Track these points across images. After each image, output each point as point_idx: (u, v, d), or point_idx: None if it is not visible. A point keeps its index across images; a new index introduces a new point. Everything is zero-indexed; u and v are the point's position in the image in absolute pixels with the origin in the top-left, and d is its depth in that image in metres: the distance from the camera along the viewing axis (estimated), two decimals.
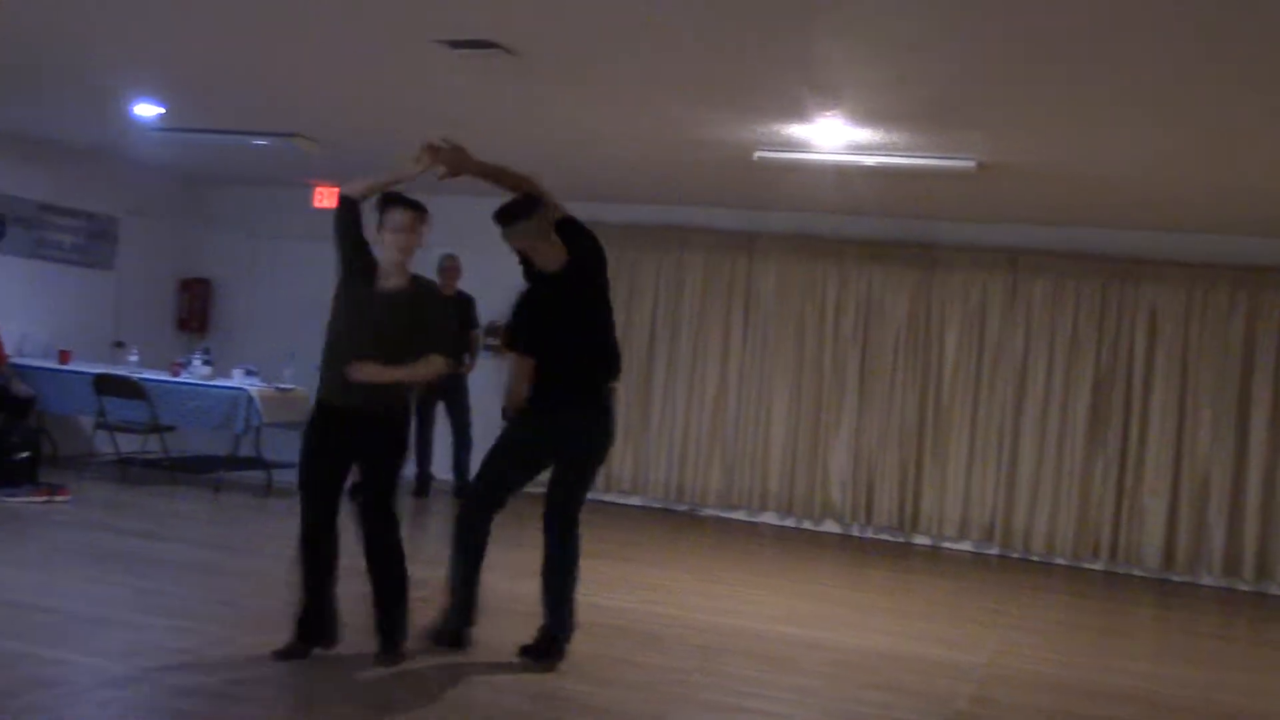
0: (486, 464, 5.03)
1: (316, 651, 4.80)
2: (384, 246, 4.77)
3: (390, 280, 4.78)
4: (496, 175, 5.02)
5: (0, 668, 4.36)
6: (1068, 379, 9.54)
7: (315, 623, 4.78)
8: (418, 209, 4.79)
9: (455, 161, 4.97)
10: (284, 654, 4.72)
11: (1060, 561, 9.51)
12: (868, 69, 5.67)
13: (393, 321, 4.71)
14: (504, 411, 5.13)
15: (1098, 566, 9.44)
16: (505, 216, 4.80)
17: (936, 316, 9.90)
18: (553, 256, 4.92)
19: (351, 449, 4.75)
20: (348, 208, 4.81)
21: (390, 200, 4.79)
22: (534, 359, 4.99)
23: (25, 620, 5.06)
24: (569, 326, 4.99)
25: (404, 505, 9.51)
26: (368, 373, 4.63)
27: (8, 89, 7.94)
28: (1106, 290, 9.47)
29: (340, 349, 4.71)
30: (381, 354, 4.65)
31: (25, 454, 8.40)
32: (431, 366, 4.75)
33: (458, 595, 5.00)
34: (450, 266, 9.56)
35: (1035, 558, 9.60)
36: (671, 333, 10.56)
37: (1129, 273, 9.41)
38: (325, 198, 11.28)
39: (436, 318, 4.91)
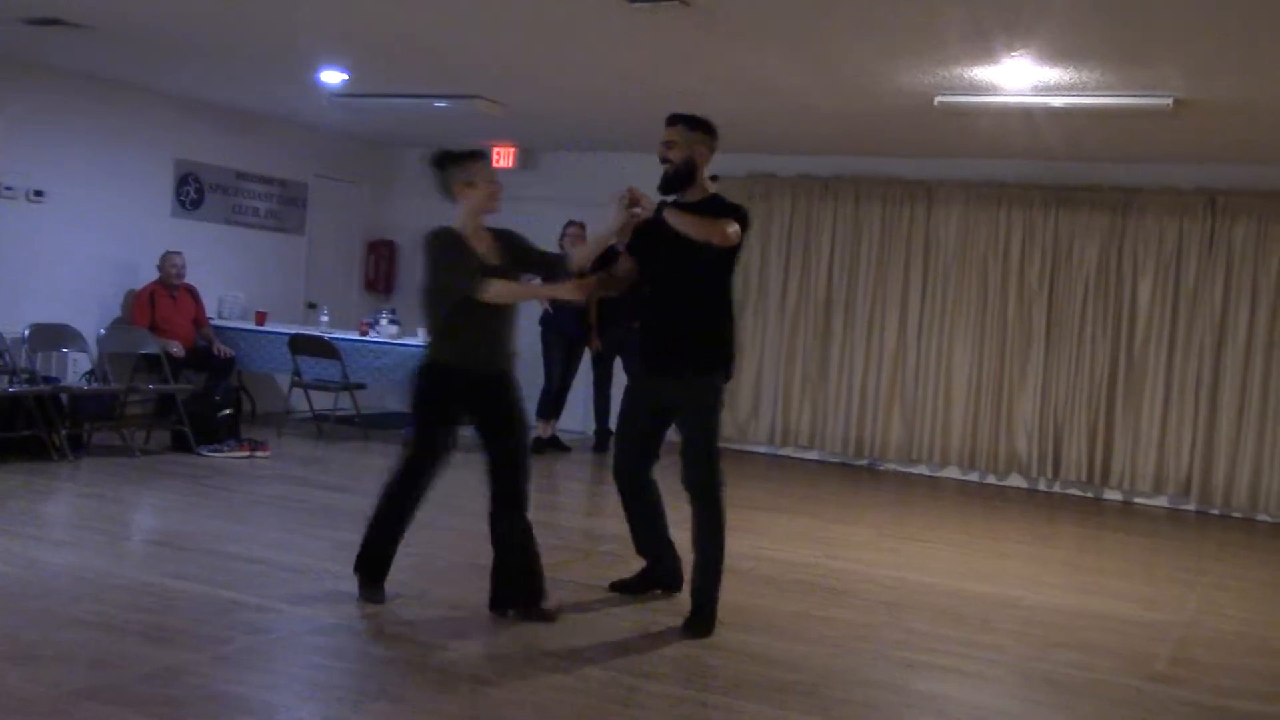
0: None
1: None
2: (477, 201, 4.73)
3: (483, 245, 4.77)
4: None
5: (214, 614, 4.61)
6: (1272, 325, 9.05)
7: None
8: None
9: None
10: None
11: (1265, 519, 9.08)
12: (1059, 3, 5.43)
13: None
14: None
15: None
16: (689, 119, 4.86)
17: (1129, 263, 9.50)
18: (701, 185, 4.90)
19: None
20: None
21: (474, 154, 4.79)
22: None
23: (234, 570, 5.32)
24: (691, 266, 4.78)
25: (585, 460, 9.71)
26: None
27: (204, 63, 8.29)
28: None
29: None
30: None
31: (227, 411, 8.84)
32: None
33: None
34: (576, 233, 9.67)
35: (1237, 514, 9.17)
36: (849, 284, 10.41)
37: None
38: (503, 158, 11.49)
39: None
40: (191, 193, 10.25)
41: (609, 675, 4.23)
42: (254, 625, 4.52)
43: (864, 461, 10.41)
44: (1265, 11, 5.27)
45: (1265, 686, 4.78)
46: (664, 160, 4.85)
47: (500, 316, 4.77)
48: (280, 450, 8.88)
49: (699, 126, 4.87)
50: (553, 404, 9.83)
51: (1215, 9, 5.32)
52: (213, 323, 9.81)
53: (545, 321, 9.82)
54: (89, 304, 9.27)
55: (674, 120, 4.89)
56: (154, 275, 9.39)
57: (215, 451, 8.45)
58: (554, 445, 9.86)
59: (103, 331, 8.97)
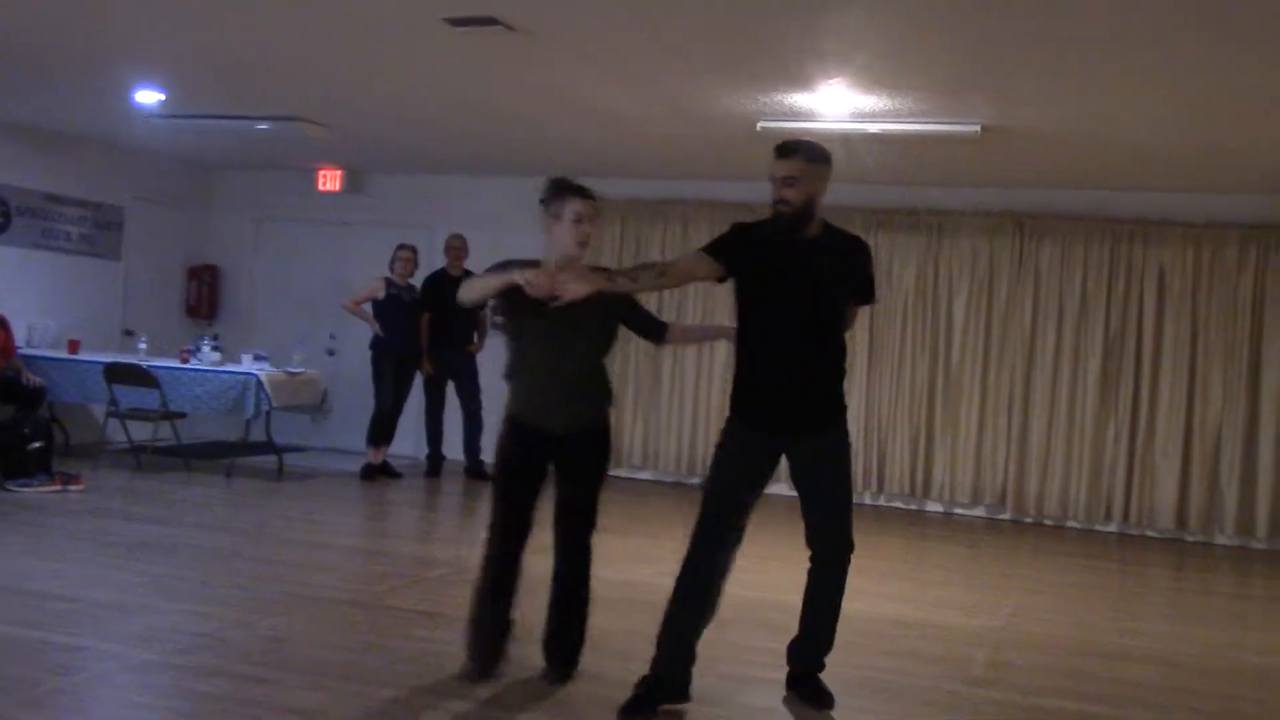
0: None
1: (332, 639, 4.82)
2: (558, 239, 4.25)
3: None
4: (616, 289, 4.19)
5: (21, 656, 4.39)
6: (1077, 342, 9.52)
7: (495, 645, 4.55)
8: (593, 196, 4.29)
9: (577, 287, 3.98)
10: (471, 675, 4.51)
11: (1074, 525, 9.53)
12: (871, 34, 5.64)
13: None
14: None
15: (1111, 529, 9.45)
16: (811, 149, 4.15)
17: (944, 283, 9.87)
18: (818, 220, 4.28)
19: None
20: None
21: (564, 187, 4.29)
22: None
23: (44, 608, 5.08)
24: None
25: (417, 486, 9.60)
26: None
27: (9, 80, 7.94)
28: (1115, 252, 9.44)
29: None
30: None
31: (38, 444, 8.42)
32: None
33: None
34: (458, 246, 9.59)
35: (1048, 521, 9.60)
36: (679, 305, 10.54)
37: (1137, 234, 9.38)
38: (329, 180, 11.30)
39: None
40: None
41: (434, 701, 4.19)
42: (64, 665, 4.33)
43: (696, 480, 10.53)
44: (1065, 46, 5.56)
45: (1073, 685, 5.01)
46: (780, 201, 4.08)
47: None
48: (96, 483, 8.52)
49: (821, 158, 4.13)
50: (384, 428, 9.69)
51: (1020, 43, 5.59)
52: (21, 352, 9.36)
53: (376, 345, 9.69)
54: None
55: (792, 150, 4.10)
56: None
57: (24, 486, 8.05)
58: (385, 471, 9.72)
59: None
